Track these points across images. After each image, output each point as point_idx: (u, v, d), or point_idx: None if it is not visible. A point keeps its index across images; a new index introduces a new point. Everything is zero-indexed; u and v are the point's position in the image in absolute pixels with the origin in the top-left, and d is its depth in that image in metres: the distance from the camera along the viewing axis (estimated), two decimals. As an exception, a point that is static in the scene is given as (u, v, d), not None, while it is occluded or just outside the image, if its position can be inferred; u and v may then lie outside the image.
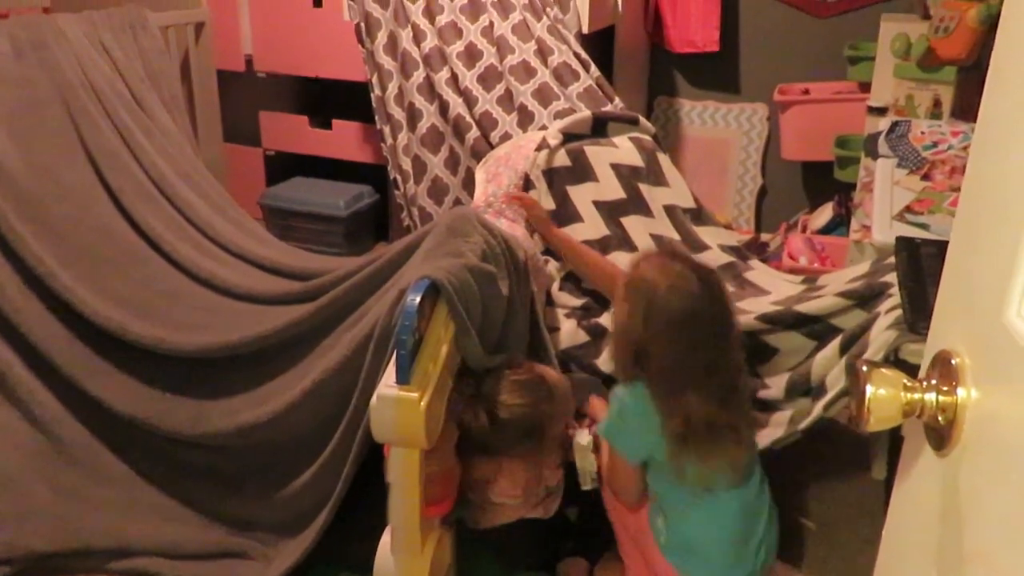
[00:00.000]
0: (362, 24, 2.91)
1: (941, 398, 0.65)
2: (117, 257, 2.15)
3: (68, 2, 3.08)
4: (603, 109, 2.54)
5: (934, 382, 0.66)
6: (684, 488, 1.52)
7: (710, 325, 1.49)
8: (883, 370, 0.68)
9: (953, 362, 0.65)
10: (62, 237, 2.11)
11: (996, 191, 0.62)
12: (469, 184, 2.68)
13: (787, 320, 2.01)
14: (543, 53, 2.67)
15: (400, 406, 1.37)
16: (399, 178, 2.90)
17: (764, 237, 3.36)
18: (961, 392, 0.64)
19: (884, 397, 0.67)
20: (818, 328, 1.98)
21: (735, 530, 1.56)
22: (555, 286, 2.25)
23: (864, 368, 0.68)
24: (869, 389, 0.67)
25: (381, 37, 2.87)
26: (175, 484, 1.91)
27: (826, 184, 3.14)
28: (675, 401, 1.47)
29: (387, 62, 2.87)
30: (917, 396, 0.66)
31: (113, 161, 2.32)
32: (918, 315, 1.53)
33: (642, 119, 2.52)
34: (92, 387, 1.92)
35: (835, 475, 2.14)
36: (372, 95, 2.94)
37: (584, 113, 2.48)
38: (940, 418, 0.66)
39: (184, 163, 2.53)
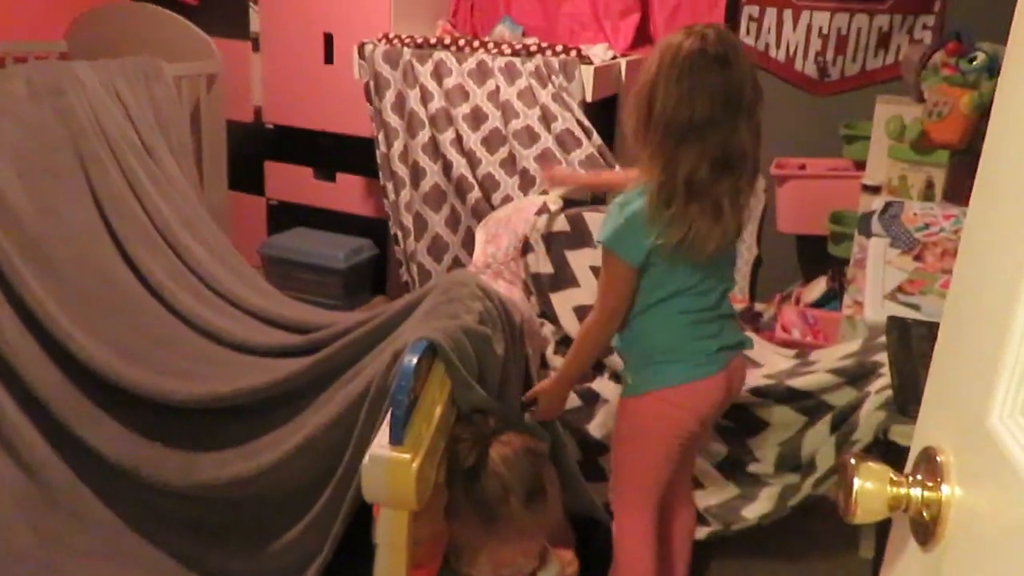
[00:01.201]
0: (371, 83, 2.98)
1: (926, 494, 0.67)
2: (116, 301, 2.16)
3: (86, 49, 3.16)
4: (604, 176, 2.58)
5: (919, 478, 0.68)
6: (657, 289, 1.54)
7: (717, 77, 1.45)
8: (870, 464, 0.69)
9: (938, 459, 0.67)
10: (63, 279, 2.12)
11: (980, 295, 0.64)
12: (469, 243, 2.72)
13: (778, 394, 2.04)
14: (547, 119, 2.73)
15: (392, 467, 1.37)
16: (400, 234, 2.94)
17: (758, 307, 3.38)
18: (945, 490, 0.65)
19: (871, 491, 0.68)
20: (809, 404, 2.00)
21: (697, 328, 1.58)
22: (550, 349, 2.27)
23: (852, 461, 0.70)
24: (856, 482, 0.68)
25: (389, 96, 2.94)
26: (160, 534, 1.89)
27: (820, 258, 3.18)
28: (669, 159, 1.45)
29: (394, 120, 2.93)
30: (903, 491, 0.68)
31: (119, 206, 2.35)
32: (908, 397, 1.55)
33: (641, 188, 2.56)
34: (82, 431, 1.91)
35: (822, 552, 2.13)
36: (377, 151, 3.00)
37: (585, 180, 2.52)
38: (925, 514, 0.67)
39: (188, 211, 2.56)
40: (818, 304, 3.10)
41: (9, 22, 3.22)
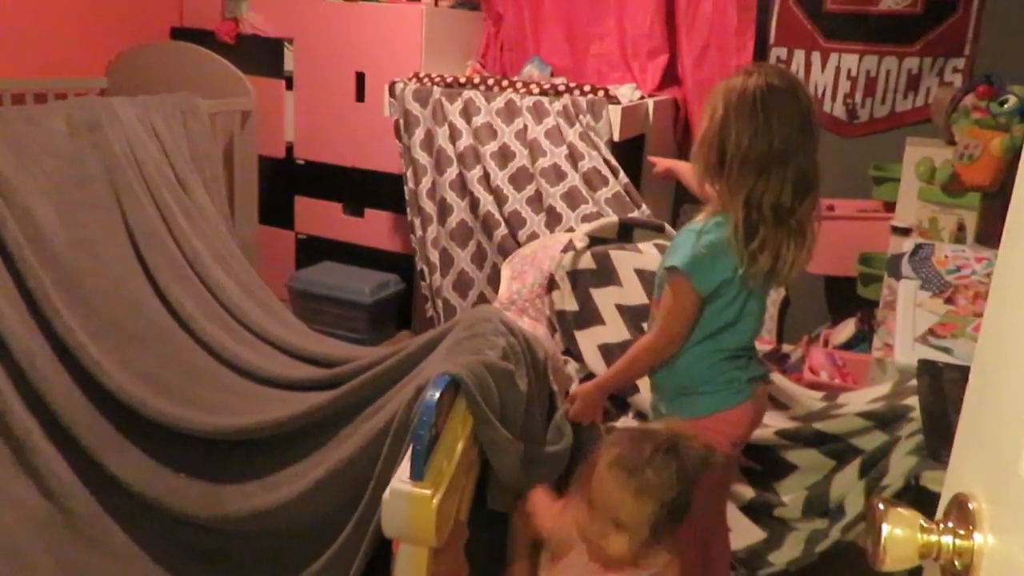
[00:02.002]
0: (401, 120, 3.02)
1: (958, 542, 0.65)
2: (145, 333, 2.19)
3: (125, 86, 3.24)
4: (630, 215, 2.59)
5: (951, 525, 0.66)
6: (705, 326, 1.58)
7: (791, 104, 1.51)
8: (900, 510, 0.68)
9: (970, 506, 0.65)
10: (95, 310, 2.16)
11: (1011, 340, 0.63)
12: (494, 280, 2.72)
13: (807, 437, 2.00)
14: (574, 158, 2.75)
15: (412, 502, 1.37)
16: (426, 269, 2.96)
17: (786, 348, 3.35)
18: (978, 538, 0.64)
19: (900, 538, 0.66)
20: (838, 447, 1.97)
21: (732, 362, 1.62)
22: (573, 386, 2.25)
23: (881, 506, 0.68)
24: (885, 528, 0.67)
25: (418, 134, 2.98)
26: (182, 565, 1.89)
27: (849, 299, 3.15)
28: (751, 190, 1.49)
29: (423, 157, 2.96)
30: (934, 538, 0.66)
31: (151, 239, 2.39)
32: (939, 442, 1.51)
33: (668, 227, 2.56)
34: (108, 461, 1.93)
35: (852, 601, 2.07)
36: (405, 188, 3.03)
37: (611, 218, 2.53)
38: (957, 563, 0.65)
39: (219, 244, 2.60)
40: (847, 346, 3.06)
41: (52, 59, 3.31)
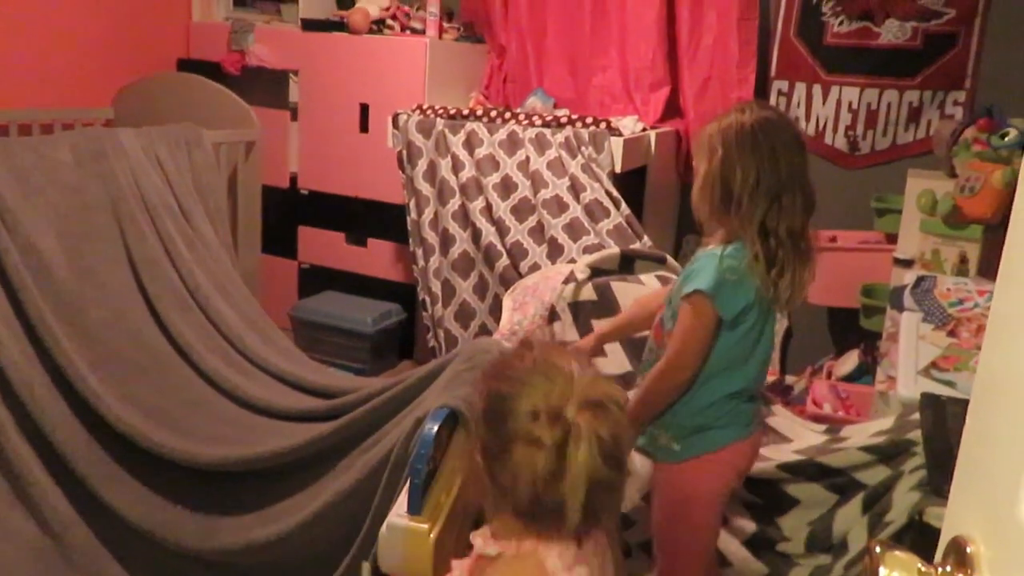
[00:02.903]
0: (404, 151, 3.04)
1: (956, 586, 0.64)
2: (145, 363, 2.19)
3: (131, 116, 3.27)
4: (631, 246, 2.59)
5: (949, 568, 0.65)
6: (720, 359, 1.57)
7: (787, 131, 1.55)
8: (897, 553, 0.67)
9: (968, 550, 0.64)
10: (95, 340, 2.16)
11: (1008, 377, 0.63)
12: (496, 310, 2.72)
13: (809, 471, 1.98)
14: (576, 189, 2.76)
15: (409, 537, 1.36)
16: (428, 300, 2.96)
17: (789, 379, 3.33)
18: (976, 582, 0.63)
19: (897, 581, 0.65)
20: (840, 482, 1.94)
21: (742, 395, 1.62)
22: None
23: (878, 549, 0.67)
24: (883, 572, 0.66)
25: (421, 165, 2.99)
26: (176, 600, 1.88)
27: (852, 331, 3.13)
28: (764, 220, 1.51)
29: (425, 188, 2.98)
30: (932, 582, 0.65)
31: (153, 269, 2.40)
32: (942, 477, 1.50)
33: (669, 258, 2.56)
34: (104, 492, 1.92)
35: (857, 639, 2.04)
36: (408, 218, 3.04)
37: (613, 249, 2.53)
38: (955, 607, 0.64)
39: (221, 274, 2.60)
40: (850, 378, 3.04)
41: (59, 90, 3.35)
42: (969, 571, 0.64)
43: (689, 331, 1.57)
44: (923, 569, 0.66)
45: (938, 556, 0.71)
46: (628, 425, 1.11)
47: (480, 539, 1.14)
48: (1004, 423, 0.63)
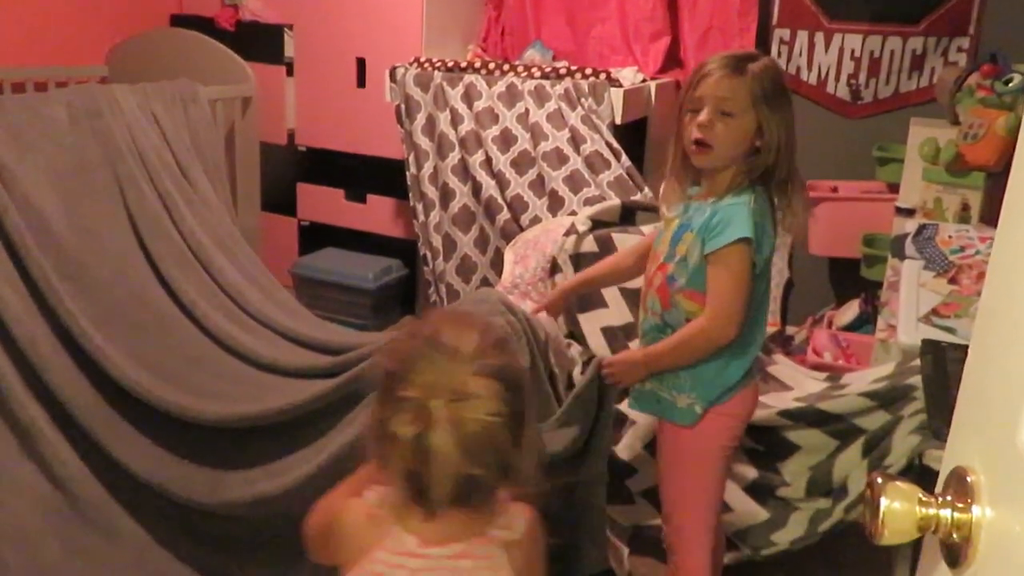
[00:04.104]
0: (402, 105, 3.01)
1: (956, 515, 0.65)
2: (149, 321, 2.20)
3: (126, 73, 3.24)
4: (632, 198, 2.58)
5: (949, 498, 0.66)
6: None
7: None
8: (898, 483, 0.68)
9: (969, 479, 0.65)
10: (98, 298, 2.16)
11: (1009, 313, 0.63)
12: (497, 264, 2.72)
13: (809, 417, 2.00)
14: (576, 141, 2.74)
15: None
16: (429, 254, 2.96)
17: (790, 330, 3.35)
18: (976, 511, 0.64)
19: (899, 511, 0.66)
20: (840, 427, 1.97)
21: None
22: (576, 370, 2.26)
23: (879, 480, 0.68)
24: (884, 502, 0.67)
25: (420, 119, 2.97)
26: (187, 550, 1.90)
27: (853, 281, 3.14)
28: (776, 167, 1.54)
29: (424, 142, 2.96)
30: (932, 512, 0.66)
31: (154, 227, 2.39)
32: (942, 421, 1.51)
33: (670, 209, 2.56)
34: (113, 448, 1.94)
35: (856, 580, 2.08)
36: (408, 173, 3.02)
37: (613, 201, 2.52)
38: (955, 535, 0.65)
39: (221, 231, 2.60)
40: (851, 327, 3.06)
41: (52, 47, 3.31)
42: (969, 500, 0.65)
43: (737, 282, 1.53)
44: (924, 499, 0.67)
45: (939, 486, 0.72)
46: (510, 412, 1.05)
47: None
48: (1004, 353, 0.64)
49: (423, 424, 1.02)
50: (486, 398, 1.03)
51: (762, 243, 1.55)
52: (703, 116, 1.55)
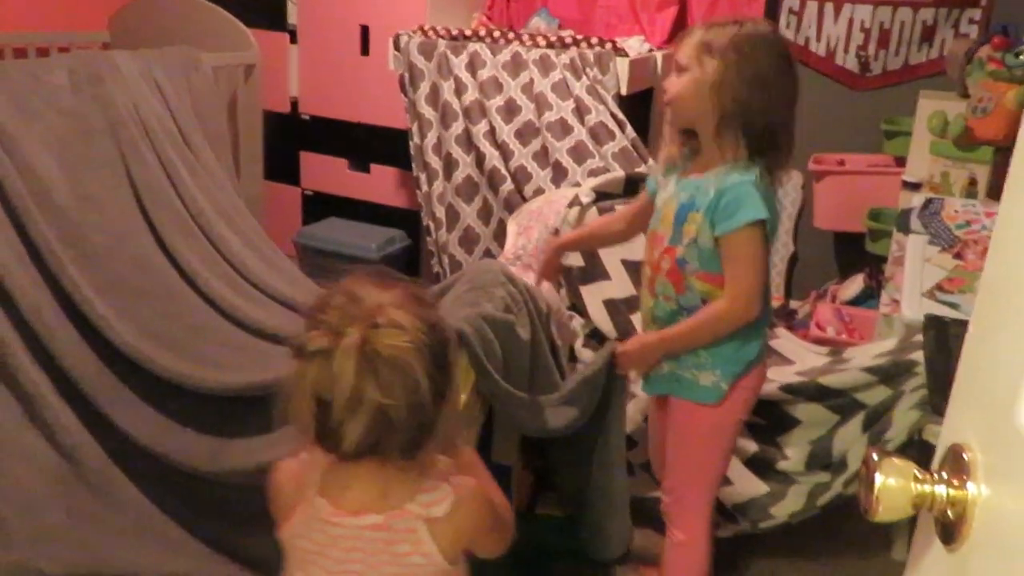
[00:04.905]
0: (406, 74, 2.98)
1: (951, 492, 0.65)
2: (151, 289, 2.20)
3: (128, 39, 3.21)
4: (636, 170, 2.56)
5: (945, 475, 0.66)
6: None
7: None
8: (894, 460, 0.67)
9: (965, 456, 0.65)
10: (100, 265, 2.16)
11: (1010, 290, 0.62)
12: (500, 235, 2.71)
13: (810, 392, 2.00)
14: (581, 112, 2.72)
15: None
16: (432, 225, 2.95)
17: (793, 304, 3.34)
18: (972, 488, 0.63)
19: (894, 488, 0.66)
20: (841, 402, 1.97)
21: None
22: (579, 342, 2.26)
23: (875, 456, 0.68)
24: (878, 478, 0.67)
25: (424, 88, 2.94)
26: (190, 517, 1.91)
27: (858, 255, 3.12)
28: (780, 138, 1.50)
29: (428, 112, 2.93)
30: (928, 488, 0.66)
31: (156, 195, 2.39)
32: (943, 397, 1.51)
33: (675, 182, 2.54)
34: (115, 415, 1.94)
35: (854, 554, 2.09)
36: (411, 143, 3.00)
37: (617, 173, 2.51)
38: (950, 512, 0.65)
39: (224, 200, 2.59)
40: (855, 302, 3.05)
41: (53, 12, 3.28)
42: (965, 478, 0.64)
43: (755, 263, 1.50)
44: (919, 475, 0.67)
45: (936, 463, 0.72)
46: (431, 357, 1.03)
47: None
48: (1003, 331, 0.63)
49: (334, 342, 0.99)
50: (406, 329, 1.01)
51: (775, 221, 1.53)
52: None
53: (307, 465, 1.13)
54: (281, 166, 3.63)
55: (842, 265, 3.36)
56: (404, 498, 1.08)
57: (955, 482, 0.65)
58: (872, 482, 0.67)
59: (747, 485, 2.05)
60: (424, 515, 1.08)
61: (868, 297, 3.03)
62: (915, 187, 2.72)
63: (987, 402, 0.65)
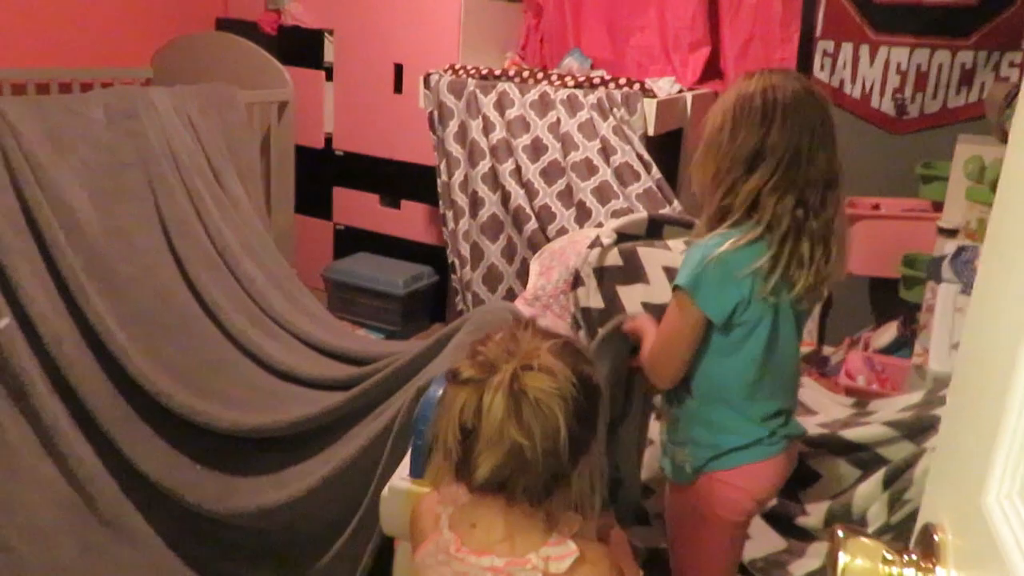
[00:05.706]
0: (435, 112, 3.01)
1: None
2: (172, 322, 2.22)
3: (170, 75, 3.29)
4: (660, 211, 2.53)
5: (915, 557, 0.62)
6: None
7: (821, 109, 1.37)
8: (862, 539, 0.63)
9: (936, 538, 0.61)
10: (125, 297, 2.20)
11: (982, 366, 0.59)
12: (523, 274, 2.70)
13: (832, 446, 1.94)
14: (606, 152, 2.70)
15: (410, 500, 1.35)
16: (457, 262, 2.95)
17: (826, 351, 3.25)
18: (940, 572, 0.59)
19: (860, 569, 0.62)
20: (864, 457, 1.90)
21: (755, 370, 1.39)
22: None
23: (841, 533, 0.64)
24: (843, 558, 0.63)
25: (452, 125, 2.96)
26: (197, 553, 1.92)
27: (893, 302, 3.04)
28: (781, 203, 1.32)
29: (456, 150, 2.95)
30: (896, 571, 0.62)
31: (183, 228, 2.43)
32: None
33: (698, 224, 2.50)
34: (128, 449, 1.96)
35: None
36: (439, 180, 3.02)
37: (640, 214, 2.47)
38: (919, 597, 0.61)
39: (250, 235, 2.62)
40: (888, 350, 2.96)
41: (99, 48, 3.39)
42: (934, 560, 0.60)
43: (668, 329, 1.40)
44: (888, 557, 0.62)
45: (912, 543, 0.68)
46: (575, 408, 1.03)
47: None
48: (976, 409, 0.59)
49: (486, 374, 1.02)
50: (556, 376, 1.03)
51: (717, 294, 1.34)
52: None
53: (445, 497, 1.15)
54: (314, 201, 3.67)
55: (877, 311, 3.28)
56: (528, 548, 1.08)
57: (925, 565, 0.61)
58: (835, 561, 0.63)
59: (766, 540, 1.99)
60: (543, 568, 1.07)
61: (902, 345, 2.94)
62: (951, 233, 2.64)
63: (958, 481, 0.61)
